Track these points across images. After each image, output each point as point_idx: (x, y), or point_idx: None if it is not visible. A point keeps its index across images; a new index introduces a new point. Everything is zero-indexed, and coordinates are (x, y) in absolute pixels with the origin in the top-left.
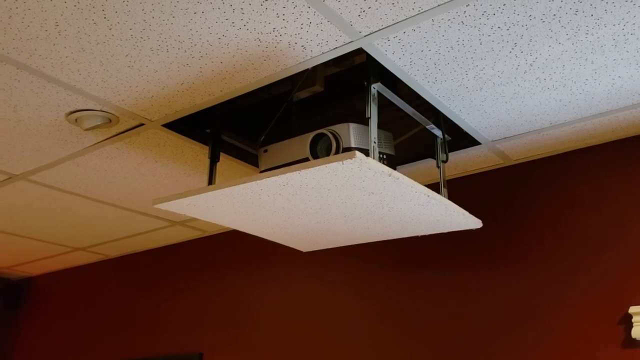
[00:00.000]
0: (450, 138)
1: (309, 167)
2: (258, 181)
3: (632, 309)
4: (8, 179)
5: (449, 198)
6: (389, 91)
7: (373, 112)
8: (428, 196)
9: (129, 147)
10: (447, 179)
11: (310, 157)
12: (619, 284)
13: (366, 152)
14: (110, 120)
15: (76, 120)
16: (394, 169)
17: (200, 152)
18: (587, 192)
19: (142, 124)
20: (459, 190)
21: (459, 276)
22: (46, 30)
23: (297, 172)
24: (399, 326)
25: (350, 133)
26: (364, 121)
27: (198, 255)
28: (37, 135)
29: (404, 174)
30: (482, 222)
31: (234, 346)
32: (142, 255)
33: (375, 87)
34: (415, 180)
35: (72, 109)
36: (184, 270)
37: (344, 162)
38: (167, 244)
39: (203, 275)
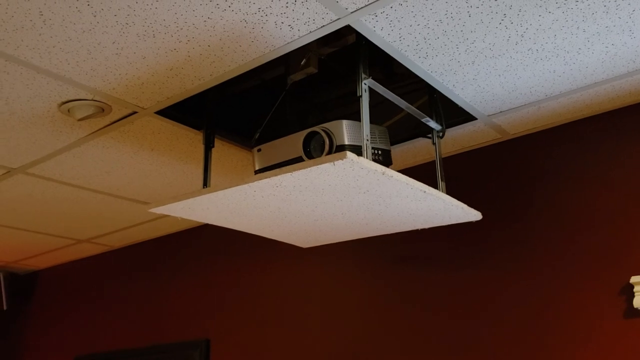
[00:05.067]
0: (445, 130)
1: (300, 169)
2: (251, 183)
3: (634, 279)
4: (6, 172)
5: (447, 176)
6: (381, 86)
7: (365, 109)
8: (425, 192)
9: (123, 136)
10: (444, 156)
11: (303, 156)
12: (620, 254)
13: (360, 149)
14: (103, 110)
15: (69, 110)
16: (390, 163)
17: (195, 138)
18: (586, 163)
19: (135, 112)
20: (458, 167)
21: (458, 254)
22: (31, 20)
23: (290, 173)
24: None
25: (344, 130)
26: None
27: (202, 242)
28: (31, 127)
29: (400, 153)
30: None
31: (241, 332)
32: (147, 244)
33: (367, 83)
34: (413, 158)
35: (63, 100)
36: (189, 257)
37: (335, 162)
38: (171, 232)
39: (208, 261)
